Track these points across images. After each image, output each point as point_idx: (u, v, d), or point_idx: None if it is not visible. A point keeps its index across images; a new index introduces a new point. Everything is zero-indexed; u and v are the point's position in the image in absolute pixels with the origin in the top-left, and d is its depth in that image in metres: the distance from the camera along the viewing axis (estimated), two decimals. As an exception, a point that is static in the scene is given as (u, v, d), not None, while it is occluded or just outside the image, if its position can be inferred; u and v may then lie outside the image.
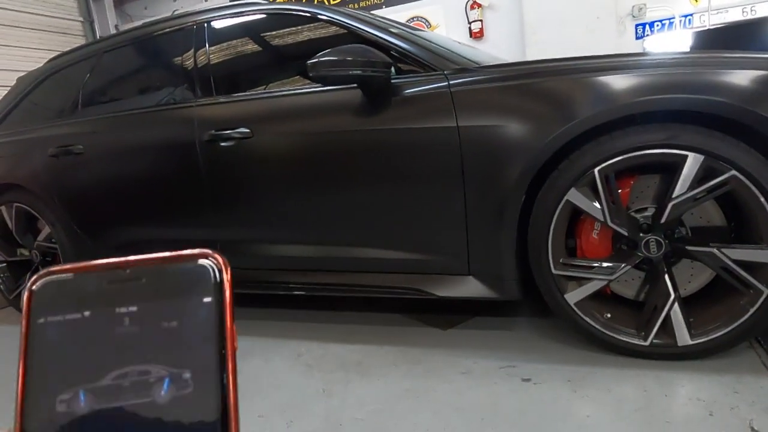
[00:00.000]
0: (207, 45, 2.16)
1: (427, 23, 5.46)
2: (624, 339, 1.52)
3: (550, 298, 1.58)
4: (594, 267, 1.53)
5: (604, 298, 1.61)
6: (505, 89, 1.58)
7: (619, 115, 1.40)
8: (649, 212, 1.49)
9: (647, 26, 4.72)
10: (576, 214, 1.56)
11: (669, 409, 1.27)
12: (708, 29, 4.41)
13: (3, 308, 2.86)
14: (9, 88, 2.88)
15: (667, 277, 1.47)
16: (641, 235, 1.47)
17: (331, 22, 1.95)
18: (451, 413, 1.35)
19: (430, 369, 1.61)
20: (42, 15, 6.00)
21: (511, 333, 1.83)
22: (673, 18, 4.61)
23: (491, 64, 1.75)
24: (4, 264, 2.72)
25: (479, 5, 5.18)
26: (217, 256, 0.37)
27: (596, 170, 1.44)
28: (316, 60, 1.64)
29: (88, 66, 2.53)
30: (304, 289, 1.95)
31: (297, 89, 1.93)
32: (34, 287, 0.36)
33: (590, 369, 1.50)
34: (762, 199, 1.33)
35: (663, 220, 1.44)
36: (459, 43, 2.42)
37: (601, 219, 1.48)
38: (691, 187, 1.38)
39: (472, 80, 1.62)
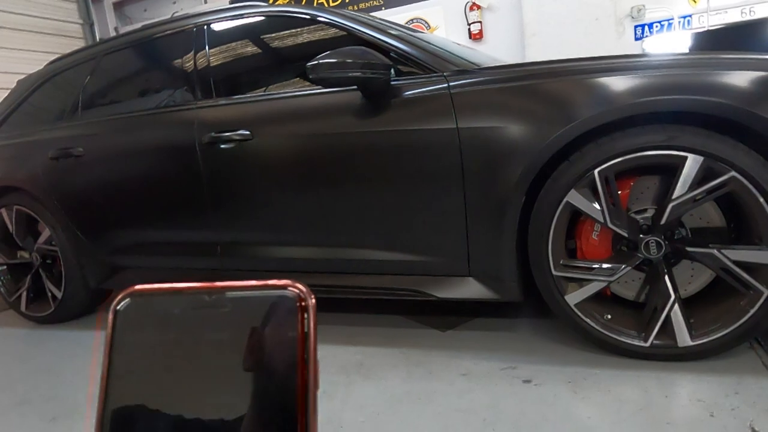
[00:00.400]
0: (207, 47, 2.17)
1: (426, 25, 5.46)
2: (624, 340, 1.52)
3: (550, 299, 1.58)
4: (594, 268, 1.53)
5: (604, 299, 1.61)
6: (505, 91, 1.58)
7: (619, 116, 1.40)
8: (649, 213, 1.49)
9: (646, 27, 4.72)
10: (576, 216, 1.57)
11: (669, 410, 1.27)
12: (707, 30, 4.42)
13: (2, 311, 2.86)
14: (9, 91, 2.88)
15: (667, 278, 1.47)
16: (641, 236, 1.47)
17: (331, 24, 1.95)
18: (451, 415, 1.35)
19: (430, 371, 1.61)
20: (41, 18, 6.00)
21: (512, 334, 1.83)
22: (672, 19, 4.62)
23: (491, 65, 1.76)
24: (5, 267, 2.72)
25: (478, 7, 5.18)
26: (300, 286, 0.36)
27: (596, 171, 1.45)
28: (316, 62, 1.64)
29: (88, 68, 2.53)
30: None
31: (297, 91, 1.93)
32: (118, 307, 0.36)
33: (591, 370, 1.50)
34: (761, 200, 1.33)
35: (663, 222, 1.44)
36: (458, 44, 2.43)
37: (601, 220, 1.48)
38: (691, 189, 1.38)
39: (471, 82, 1.62)
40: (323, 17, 1.98)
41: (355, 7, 5.73)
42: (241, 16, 2.17)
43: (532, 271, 1.59)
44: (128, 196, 2.24)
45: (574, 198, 1.48)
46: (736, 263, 1.39)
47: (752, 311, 1.39)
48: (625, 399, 1.33)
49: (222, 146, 1.96)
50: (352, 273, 1.87)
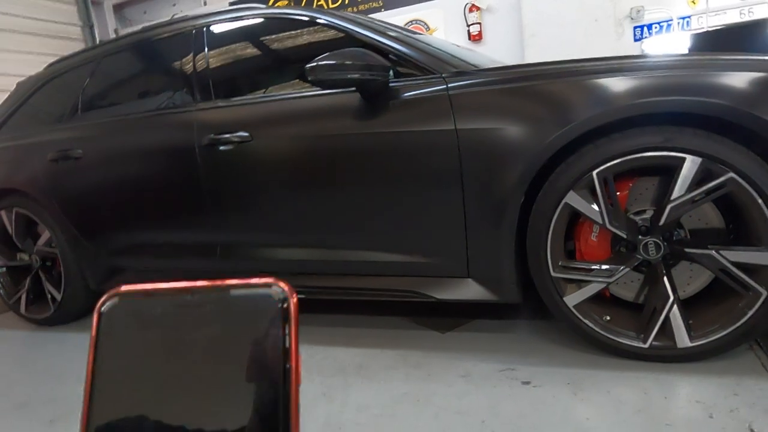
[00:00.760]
0: (206, 49, 2.17)
1: (426, 26, 5.47)
2: (623, 341, 1.52)
3: (549, 300, 1.58)
4: (593, 269, 1.53)
5: (603, 300, 1.61)
6: (503, 92, 1.58)
7: (617, 117, 1.41)
8: (648, 214, 1.49)
9: (645, 28, 4.73)
10: (575, 217, 1.57)
11: (669, 412, 1.27)
12: (706, 31, 4.42)
13: (2, 313, 2.86)
14: (9, 93, 2.89)
15: (666, 279, 1.47)
16: (640, 237, 1.47)
17: (330, 26, 1.95)
18: (451, 416, 1.35)
19: (430, 372, 1.61)
20: (41, 20, 6.00)
21: (511, 336, 1.83)
22: (671, 20, 4.62)
23: (489, 66, 1.76)
24: (4, 268, 2.72)
25: (478, 8, 5.19)
26: (282, 284, 0.36)
27: (594, 173, 1.45)
28: (315, 64, 1.64)
29: (88, 71, 2.54)
30: (303, 292, 1.95)
31: (296, 93, 1.93)
32: (102, 308, 0.37)
33: (590, 371, 1.50)
34: (760, 201, 1.33)
35: (661, 223, 1.44)
36: (457, 45, 2.43)
37: (600, 222, 1.48)
38: (689, 190, 1.39)
39: (470, 83, 1.62)
40: (322, 19, 1.98)
41: (355, 9, 5.74)
42: (240, 18, 2.18)
43: (530, 272, 1.59)
44: (127, 198, 2.24)
45: (573, 199, 1.48)
46: (735, 264, 1.39)
47: (751, 312, 1.38)
48: (625, 400, 1.33)
49: (221, 148, 1.97)
50: (351, 274, 1.87)
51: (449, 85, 1.63)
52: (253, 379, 0.34)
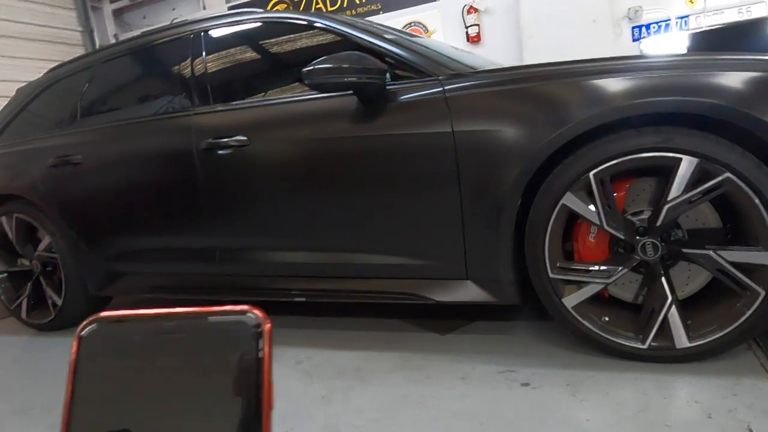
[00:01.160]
0: (204, 54, 2.18)
1: (424, 28, 5.48)
2: (622, 342, 1.52)
3: (547, 302, 1.58)
4: (591, 270, 1.53)
5: (601, 301, 1.61)
6: (500, 94, 1.58)
7: (614, 118, 1.41)
8: (645, 215, 1.49)
9: (643, 28, 4.73)
10: (572, 218, 1.57)
11: (668, 412, 1.27)
12: (704, 31, 4.43)
13: (3, 318, 2.86)
14: (8, 99, 2.90)
15: (664, 279, 1.47)
16: (638, 238, 1.47)
17: (327, 30, 1.96)
18: (450, 419, 1.35)
19: (428, 375, 1.61)
20: (41, 26, 6.02)
21: (510, 337, 1.83)
22: (669, 20, 4.62)
23: (486, 68, 1.76)
24: (5, 274, 2.73)
25: (476, 10, 5.19)
26: (257, 311, 0.37)
27: (591, 174, 1.45)
28: (312, 67, 1.65)
29: (87, 76, 2.54)
30: (302, 295, 1.95)
31: (293, 97, 1.94)
32: (82, 333, 0.37)
33: (589, 373, 1.50)
34: (756, 201, 1.33)
35: (659, 223, 1.44)
36: (455, 48, 2.44)
37: (597, 223, 1.49)
38: (686, 190, 1.39)
39: (467, 85, 1.62)
40: (319, 23, 1.99)
41: (353, 12, 5.75)
42: (238, 23, 2.18)
43: (529, 273, 1.59)
44: (127, 203, 2.25)
45: (570, 200, 1.49)
46: (733, 264, 1.39)
47: (749, 312, 1.38)
48: (624, 401, 1.33)
49: (219, 152, 1.97)
50: (350, 277, 1.88)
51: (446, 88, 1.64)
52: (228, 403, 0.35)
